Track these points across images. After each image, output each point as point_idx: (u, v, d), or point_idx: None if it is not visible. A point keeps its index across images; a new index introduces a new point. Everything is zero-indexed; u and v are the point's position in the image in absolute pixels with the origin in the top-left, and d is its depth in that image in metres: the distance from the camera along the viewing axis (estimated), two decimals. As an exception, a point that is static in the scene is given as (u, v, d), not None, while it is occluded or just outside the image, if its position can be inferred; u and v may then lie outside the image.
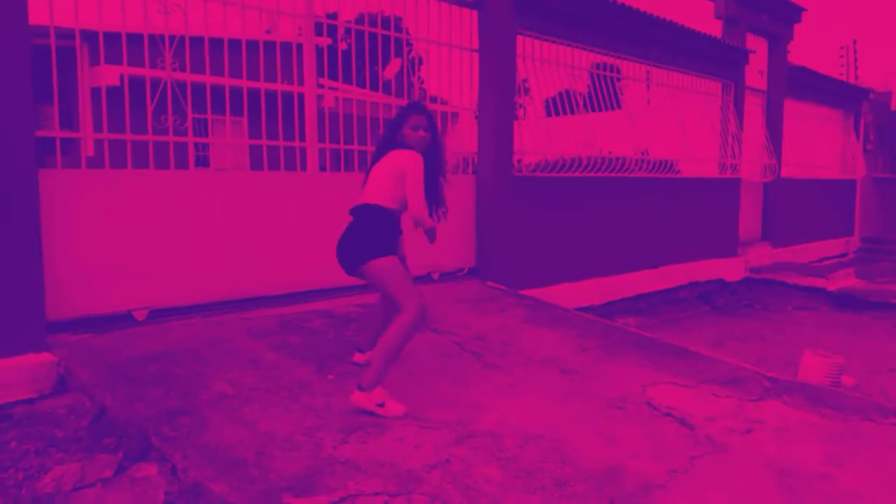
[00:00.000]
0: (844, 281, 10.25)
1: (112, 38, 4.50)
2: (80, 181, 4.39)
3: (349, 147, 5.91)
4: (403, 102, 6.25)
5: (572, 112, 7.70)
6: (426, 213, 3.62)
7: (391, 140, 3.70)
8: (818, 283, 9.96)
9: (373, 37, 6.00)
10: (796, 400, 3.95)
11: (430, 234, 3.70)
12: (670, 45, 8.91)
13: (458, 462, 2.93)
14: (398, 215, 3.68)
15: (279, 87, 5.42)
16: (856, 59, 23.13)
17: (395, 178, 3.57)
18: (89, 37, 4.58)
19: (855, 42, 23.27)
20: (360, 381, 3.44)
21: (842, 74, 22.07)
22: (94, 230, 4.41)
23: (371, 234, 3.55)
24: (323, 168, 5.89)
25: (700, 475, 2.96)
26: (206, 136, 5.28)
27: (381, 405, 3.38)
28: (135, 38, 4.56)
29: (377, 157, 3.74)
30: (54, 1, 4.18)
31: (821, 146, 13.90)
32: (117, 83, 4.56)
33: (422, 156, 3.62)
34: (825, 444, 3.35)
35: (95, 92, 4.96)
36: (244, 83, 5.15)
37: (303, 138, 5.64)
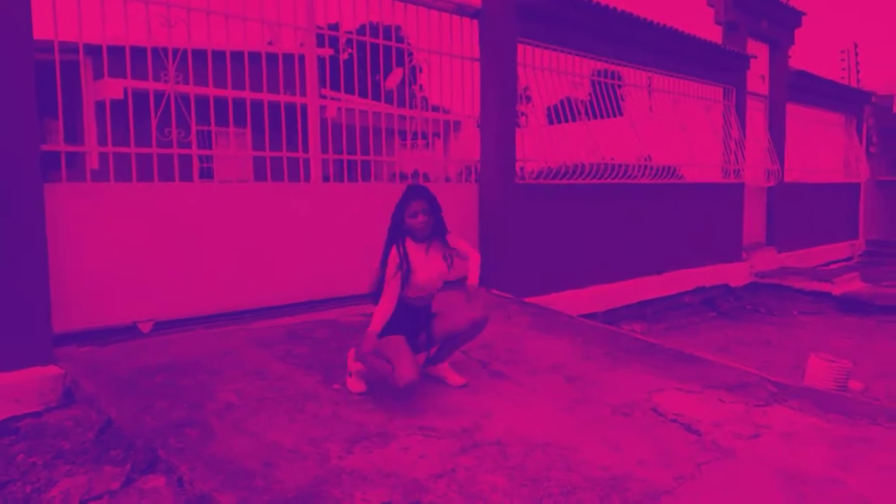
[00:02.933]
0: (850, 285, 10.22)
1: (115, 51, 4.53)
2: (84, 194, 4.42)
3: (352, 157, 5.93)
4: (405, 112, 6.29)
5: (574, 119, 7.72)
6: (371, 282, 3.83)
7: (399, 230, 3.77)
8: (823, 287, 9.93)
9: (374, 47, 6.04)
10: (803, 405, 3.93)
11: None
12: (671, 52, 8.93)
13: (463, 471, 2.93)
14: (420, 302, 3.87)
15: (282, 98, 5.45)
16: (857, 63, 23.09)
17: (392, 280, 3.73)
18: (93, 51, 4.61)
19: (856, 45, 23.22)
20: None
21: (843, 78, 22.04)
22: (100, 243, 4.43)
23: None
24: (326, 179, 5.91)
25: (707, 481, 2.95)
26: (210, 147, 5.28)
27: (350, 374, 3.84)
28: (138, 52, 4.59)
29: (386, 251, 3.77)
30: (58, 16, 4.21)
31: (824, 150, 13.90)
32: (121, 96, 4.57)
33: (427, 236, 3.78)
34: (833, 448, 3.34)
35: (99, 105, 4.99)
36: (247, 94, 5.18)
37: (306, 149, 5.66)
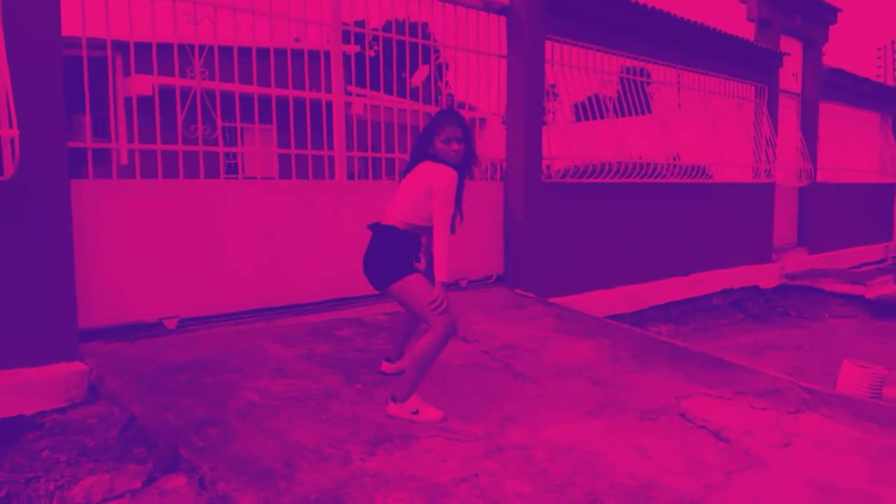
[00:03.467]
0: (884, 288, 9.99)
1: (143, 48, 4.55)
2: (110, 191, 4.45)
3: (377, 155, 5.92)
4: (431, 109, 6.24)
5: (602, 117, 7.63)
6: (446, 243, 3.38)
7: (423, 152, 3.52)
8: (856, 290, 9.72)
9: (400, 44, 6.00)
10: (836, 413, 3.84)
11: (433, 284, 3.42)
12: (701, 49, 8.79)
13: (486, 476, 2.89)
14: (422, 231, 3.52)
15: (307, 94, 5.43)
16: (894, 60, 22.60)
17: (423, 194, 3.40)
18: (121, 47, 4.64)
19: (893, 42, 22.72)
20: (394, 392, 3.44)
21: (879, 76, 21.60)
22: (126, 239, 4.46)
23: (388, 258, 3.45)
24: (351, 176, 5.90)
25: (737, 491, 2.88)
26: (236, 143, 5.31)
27: (416, 412, 3.40)
28: (165, 48, 4.60)
29: (408, 169, 3.59)
30: (86, 12, 4.24)
31: (858, 150, 13.62)
32: (149, 92, 4.59)
33: (455, 167, 3.43)
34: (868, 460, 3.25)
35: (127, 102, 5.02)
36: (273, 91, 5.18)
37: (331, 146, 5.65)
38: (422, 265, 3.66)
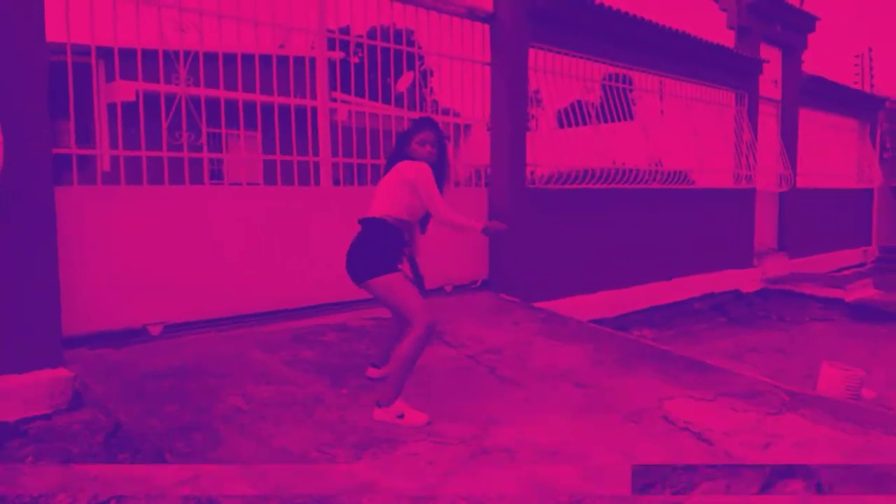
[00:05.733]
0: (862, 291, 10.12)
1: (127, 54, 4.55)
2: (95, 197, 4.43)
3: (362, 161, 5.93)
4: (416, 115, 6.26)
5: (585, 123, 7.70)
6: (451, 215, 3.67)
7: (400, 153, 3.76)
8: (836, 293, 9.84)
9: (385, 50, 6.03)
10: (816, 414, 3.89)
11: (486, 232, 3.88)
12: (683, 56, 8.90)
13: (471, 478, 2.91)
14: (405, 225, 3.70)
15: (292, 101, 5.45)
16: (871, 68, 22.91)
17: (399, 186, 3.63)
18: (105, 53, 4.63)
19: (870, 50, 23.04)
20: (379, 397, 3.47)
21: (857, 83, 21.89)
22: (110, 246, 4.44)
23: (371, 250, 3.60)
24: (336, 182, 5.91)
25: (718, 491, 2.92)
26: (221, 149, 5.28)
27: (401, 416, 3.44)
28: (150, 55, 4.60)
29: (387, 169, 3.80)
30: (70, 18, 4.23)
31: (837, 156, 13.80)
32: (133, 98, 4.58)
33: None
34: (846, 459, 3.29)
35: (111, 108, 4.99)
36: (258, 97, 5.19)
37: (316, 152, 5.66)
38: (406, 270, 3.72)
